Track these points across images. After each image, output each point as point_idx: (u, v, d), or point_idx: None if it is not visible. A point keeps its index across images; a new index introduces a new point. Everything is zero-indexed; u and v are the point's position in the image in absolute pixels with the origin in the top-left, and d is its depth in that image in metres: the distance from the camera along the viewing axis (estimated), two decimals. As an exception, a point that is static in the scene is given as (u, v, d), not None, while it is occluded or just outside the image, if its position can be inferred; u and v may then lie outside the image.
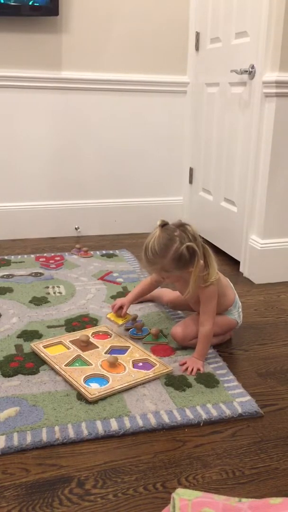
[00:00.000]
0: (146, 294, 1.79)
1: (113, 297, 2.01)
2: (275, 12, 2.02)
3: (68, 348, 1.61)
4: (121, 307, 1.69)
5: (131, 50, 2.75)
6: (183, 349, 1.64)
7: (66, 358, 1.54)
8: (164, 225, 1.49)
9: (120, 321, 1.70)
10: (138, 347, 1.63)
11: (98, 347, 1.62)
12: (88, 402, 1.34)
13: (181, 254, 1.45)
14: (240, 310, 1.72)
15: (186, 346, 1.63)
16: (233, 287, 1.72)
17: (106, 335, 1.71)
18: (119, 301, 1.71)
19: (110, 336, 1.70)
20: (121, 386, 1.40)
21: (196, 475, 1.12)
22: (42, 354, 1.56)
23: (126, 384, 1.41)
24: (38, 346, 1.60)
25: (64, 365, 1.50)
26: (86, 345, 1.61)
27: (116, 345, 1.64)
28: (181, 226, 1.50)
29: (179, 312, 1.91)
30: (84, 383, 1.41)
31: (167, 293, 1.91)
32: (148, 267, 1.53)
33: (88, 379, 1.44)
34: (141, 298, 1.92)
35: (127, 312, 1.73)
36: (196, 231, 1.50)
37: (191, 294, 1.53)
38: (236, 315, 1.69)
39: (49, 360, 1.53)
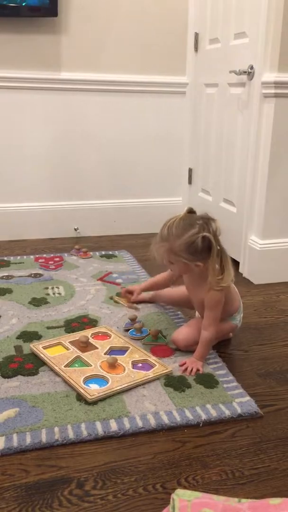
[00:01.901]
0: (159, 287, 1.81)
1: (112, 298, 2.01)
2: (274, 13, 2.02)
3: (67, 349, 1.61)
4: (130, 292, 1.69)
5: (130, 51, 2.75)
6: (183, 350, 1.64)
7: (66, 359, 1.54)
8: (190, 211, 1.49)
9: (124, 302, 1.69)
10: (138, 348, 1.63)
11: (97, 348, 1.62)
12: (88, 403, 1.34)
13: (195, 241, 1.42)
14: (242, 314, 1.72)
15: (186, 350, 1.62)
16: (238, 293, 1.70)
17: (105, 335, 1.71)
18: (131, 286, 1.71)
19: (110, 337, 1.70)
20: (120, 386, 1.40)
21: (195, 476, 1.12)
22: (42, 355, 1.56)
23: (125, 385, 1.41)
24: (37, 347, 1.60)
25: (64, 366, 1.50)
26: (85, 346, 1.61)
27: (115, 346, 1.64)
28: (206, 218, 1.47)
29: (179, 312, 1.91)
30: (84, 384, 1.41)
31: (167, 292, 1.90)
32: (158, 243, 1.48)
33: (87, 380, 1.44)
34: (141, 298, 1.93)
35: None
36: (220, 229, 1.47)
37: (200, 297, 1.53)
38: (238, 320, 1.70)
39: (48, 361, 1.53)
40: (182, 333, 1.63)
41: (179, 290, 1.80)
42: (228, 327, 1.67)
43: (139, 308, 1.76)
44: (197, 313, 1.78)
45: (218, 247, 1.47)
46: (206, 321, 1.54)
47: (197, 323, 1.63)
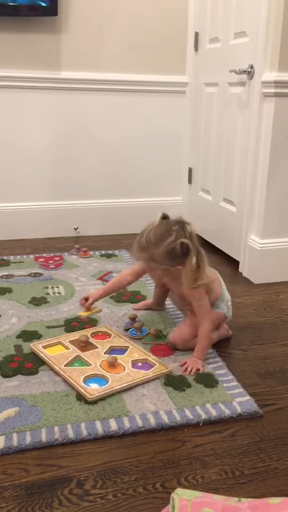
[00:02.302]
0: (117, 289, 1.76)
1: (112, 297, 2.01)
2: (274, 12, 2.02)
3: (67, 348, 1.61)
4: (86, 299, 1.69)
5: (130, 50, 2.75)
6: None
7: (65, 358, 1.54)
8: (164, 217, 1.50)
9: (84, 314, 1.69)
10: (138, 347, 1.63)
11: (97, 347, 1.62)
12: (88, 402, 1.34)
13: (174, 248, 1.45)
14: (229, 303, 1.71)
15: (185, 349, 1.63)
16: (222, 281, 1.71)
17: (105, 335, 1.71)
18: (86, 295, 1.71)
19: (110, 336, 1.70)
20: (120, 386, 1.40)
21: (195, 475, 1.12)
22: (42, 354, 1.56)
23: (125, 384, 1.41)
24: (37, 346, 1.60)
25: (64, 366, 1.50)
26: (85, 345, 1.61)
27: (115, 345, 1.64)
28: (181, 223, 1.50)
29: (179, 312, 1.91)
30: (84, 383, 1.41)
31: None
32: (138, 253, 1.53)
33: (87, 380, 1.44)
34: (146, 306, 1.93)
35: (95, 306, 1.73)
36: (194, 231, 1.50)
37: (181, 292, 1.57)
38: (225, 309, 1.69)
39: (48, 360, 1.53)
40: (177, 334, 1.64)
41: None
42: (216, 316, 1.65)
43: (101, 310, 1.74)
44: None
45: (194, 250, 1.48)
46: (200, 315, 1.56)
47: (189, 319, 1.65)
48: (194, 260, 1.46)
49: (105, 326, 1.77)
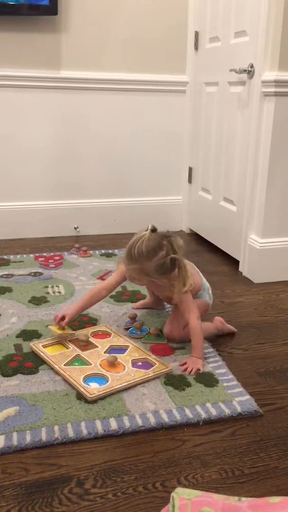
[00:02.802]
0: (91, 305, 1.73)
1: (112, 297, 2.01)
2: (274, 11, 2.02)
3: (67, 347, 1.61)
4: (62, 318, 1.64)
5: (130, 49, 2.75)
6: (183, 348, 1.64)
7: (66, 357, 1.54)
8: (153, 230, 1.53)
9: (59, 332, 1.62)
10: (138, 346, 1.63)
11: (97, 347, 1.62)
12: (88, 401, 1.34)
13: (164, 262, 1.51)
14: (210, 291, 1.78)
15: (184, 340, 1.65)
16: (200, 273, 1.78)
17: (105, 334, 1.71)
18: (61, 313, 1.65)
19: (110, 336, 1.70)
20: (120, 385, 1.40)
21: (195, 474, 1.12)
22: (42, 353, 1.56)
23: (125, 384, 1.41)
24: (37, 345, 1.60)
25: (63, 365, 1.50)
26: (85, 344, 1.61)
27: (115, 345, 1.64)
28: (168, 237, 1.55)
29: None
30: (84, 382, 1.41)
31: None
32: (127, 264, 1.56)
33: (87, 379, 1.44)
34: (143, 306, 1.94)
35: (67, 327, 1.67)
36: (180, 245, 1.55)
37: (164, 295, 1.69)
38: (207, 297, 1.76)
39: (48, 359, 1.53)
40: (170, 328, 1.69)
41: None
42: (200, 304, 1.70)
43: (74, 333, 1.66)
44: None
45: (180, 263, 1.55)
46: (185, 313, 1.60)
47: (176, 311, 1.70)
48: (180, 276, 1.55)
49: (105, 325, 1.77)
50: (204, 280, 1.78)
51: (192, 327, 1.57)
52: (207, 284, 1.78)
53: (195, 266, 1.78)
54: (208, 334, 1.69)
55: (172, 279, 1.56)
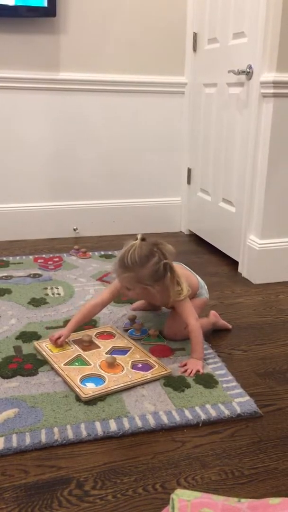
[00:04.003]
0: (87, 319, 1.72)
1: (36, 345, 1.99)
2: (273, 12, 2.02)
3: (70, 347, 1.61)
4: (59, 338, 1.63)
5: (128, 51, 2.75)
6: (182, 350, 1.64)
7: (67, 357, 1.54)
8: (144, 239, 1.56)
9: (55, 350, 1.60)
10: (140, 348, 1.63)
11: (100, 347, 1.62)
12: (87, 403, 1.34)
13: (158, 268, 1.53)
14: (206, 287, 1.82)
15: (184, 339, 1.66)
16: (193, 272, 1.81)
17: (110, 335, 1.72)
18: (58, 333, 1.64)
19: (114, 337, 1.70)
20: (116, 386, 1.40)
21: (195, 476, 1.12)
22: (44, 352, 1.57)
23: (122, 385, 1.41)
24: (41, 344, 1.62)
25: (64, 364, 1.50)
26: (88, 345, 1.62)
27: (118, 346, 1.64)
28: (158, 244, 1.57)
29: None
30: (81, 382, 1.41)
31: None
32: (120, 273, 1.56)
33: (84, 379, 1.44)
34: (142, 307, 1.94)
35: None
36: (170, 251, 1.58)
37: (158, 303, 1.75)
38: (205, 293, 1.81)
39: (49, 358, 1.53)
40: (170, 329, 1.71)
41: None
42: (199, 303, 1.76)
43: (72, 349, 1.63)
44: None
45: (172, 268, 1.58)
46: (183, 315, 1.61)
47: (173, 312, 1.71)
48: (173, 279, 1.57)
49: (110, 327, 1.77)
50: (198, 277, 1.81)
51: (192, 329, 1.57)
52: (202, 281, 1.81)
53: (185, 266, 1.81)
54: (205, 330, 1.70)
55: (165, 284, 1.57)
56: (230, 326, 1.82)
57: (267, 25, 2.05)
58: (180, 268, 1.75)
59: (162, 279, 1.56)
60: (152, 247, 1.55)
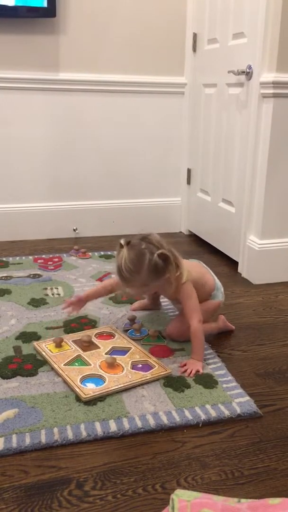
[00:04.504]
0: (102, 295, 1.80)
1: (111, 298, 2.01)
2: (272, 13, 2.03)
3: (70, 347, 1.61)
4: (78, 301, 1.69)
5: (128, 51, 2.75)
6: (182, 350, 1.64)
7: (67, 357, 1.54)
8: (128, 243, 1.51)
9: (55, 351, 1.59)
10: (140, 349, 1.62)
11: (99, 348, 1.62)
12: (87, 403, 1.34)
13: (156, 263, 1.49)
14: (222, 289, 1.77)
15: (187, 340, 1.65)
16: (211, 272, 1.77)
17: (109, 335, 1.72)
18: (76, 297, 1.72)
19: (114, 337, 1.70)
20: (116, 386, 1.40)
21: (195, 476, 1.12)
22: (43, 352, 1.57)
23: (122, 385, 1.41)
24: (40, 345, 1.62)
25: (63, 365, 1.50)
26: (88, 345, 1.62)
27: (117, 346, 1.64)
28: (145, 238, 1.53)
29: (177, 313, 1.91)
30: (81, 383, 1.41)
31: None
32: (126, 287, 1.55)
33: (84, 379, 1.44)
34: (141, 307, 1.95)
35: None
36: (160, 239, 1.54)
37: (170, 295, 1.64)
38: (220, 296, 1.76)
39: (49, 358, 1.53)
40: (173, 325, 1.70)
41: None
42: (212, 306, 1.72)
43: (72, 349, 1.61)
44: None
45: (169, 253, 1.52)
46: (187, 315, 1.59)
47: (181, 317, 1.69)
48: (174, 265, 1.52)
49: (110, 327, 1.77)
50: (216, 279, 1.77)
51: (193, 330, 1.56)
52: (219, 283, 1.76)
53: (204, 264, 1.78)
54: (209, 333, 1.71)
55: (172, 272, 1.52)
56: (233, 327, 1.82)
57: (266, 25, 2.05)
58: (198, 266, 1.74)
59: (166, 268, 1.51)
60: (139, 245, 1.50)
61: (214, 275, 1.77)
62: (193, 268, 1.69)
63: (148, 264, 1.48)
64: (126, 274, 1.48)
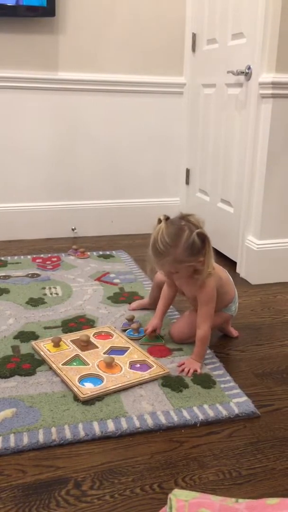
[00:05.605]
0: (170, 304, 1.74)
1: (110, 298, 2.01)
2: (271, 13, 2.03)
3: (68, 347, 1.61)
4: (154, 330, 1.68)
5: (127, 51, 2.75)
6: (180, 350, 1.64)
7: (65, 357, 1.54)
8: (167, 218, 1.48)
9: (54, 350, 1.59)
10: (138, 348, 1.62)
11: (98, 347, 1.62)
12: (85, 403, 1.34)
13: (193, 241, 1.43)
14: (237, 304, 1.73)
15: (189, 342, 1.64)
16: (233, 283, 1.73)
17: (108, 335, 1.71)
18: (151, 325, 1.69)
19: (112, 337, 1.70)
20: (114, 386, 1.40)
21: (193, 476, 1.12)
22: (42, 352, 1.57)
23: (120, 385, 1.41)
24: (39, 344, 1.62)
25: (62, 364, 1.50)
26: (86, 345, 1.62)
27: (116, 346, 1.63)
28: (185, 216, 1.49)
29: (176, 313, 1.91)
30: (79, 382, 1.41)
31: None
32: (158, 261, 1.48)
33: (83, 379, 1.44)
34: (141, 306, 1.94)
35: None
36: (200, 220, 1.49)
37: (194, 293, 1.56)
38: (233, 309, 1.71)
39: (47, 358, 1.53)
40: (177, 327, 1.69)
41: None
42: (224, 318, 1.69)
43: (70, 348, 1.62)
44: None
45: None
46: (200, 318, 1.55)
47: (190, 316, 1.67)
48: (211, 249, 1.46)
49: (108, 327, 1.77)
50: (236, 292, 1.72)
51: (202, 336, 1.54)
52: (236, 296, 1.72)
53: (227, 272, 1.72)
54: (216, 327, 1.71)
55: (208, 255, 1.47)
56: (234, 335, 1.78)
57: (266, 25, 2.05)
58: (224, 271, 1.68)
59: (202, 250, 1.45)
60: (179, 222, 1.46)
61: (235, 287, 1.72)
62: (222, 272, 1.65)
63: (186, 240, 1.43)
64: (161, 247, 1.43)
